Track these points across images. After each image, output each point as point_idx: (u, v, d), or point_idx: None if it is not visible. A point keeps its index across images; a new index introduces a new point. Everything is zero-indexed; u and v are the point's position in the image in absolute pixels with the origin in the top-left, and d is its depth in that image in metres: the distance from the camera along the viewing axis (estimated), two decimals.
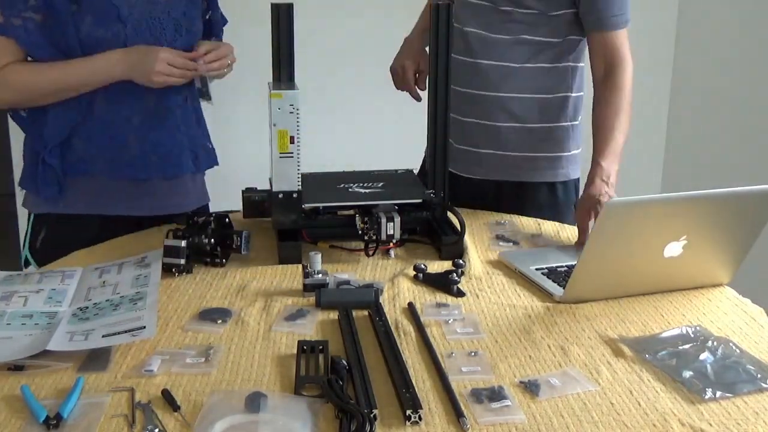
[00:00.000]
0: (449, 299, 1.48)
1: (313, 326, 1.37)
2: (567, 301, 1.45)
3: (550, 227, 1.86)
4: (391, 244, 1.67)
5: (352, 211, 1.68)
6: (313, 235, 1.70)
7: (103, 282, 1.52)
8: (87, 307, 1.41)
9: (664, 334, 1.33)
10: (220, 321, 1.38)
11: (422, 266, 1.58)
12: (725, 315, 1.42)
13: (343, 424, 1.06)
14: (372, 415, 1.07)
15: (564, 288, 1.46)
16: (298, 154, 1.62)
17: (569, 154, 1.99)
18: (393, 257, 1.68)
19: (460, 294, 1.49)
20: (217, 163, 1.99)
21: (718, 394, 1.15)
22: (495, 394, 1.14)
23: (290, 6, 1.79)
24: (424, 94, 1.86)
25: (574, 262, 1.42)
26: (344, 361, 1.20)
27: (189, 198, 1.91)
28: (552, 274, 1.55)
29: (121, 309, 1.38)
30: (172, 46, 1.77)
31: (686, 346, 1.28)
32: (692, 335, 1.32)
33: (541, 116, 1.94)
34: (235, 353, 1.27)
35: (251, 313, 1.41)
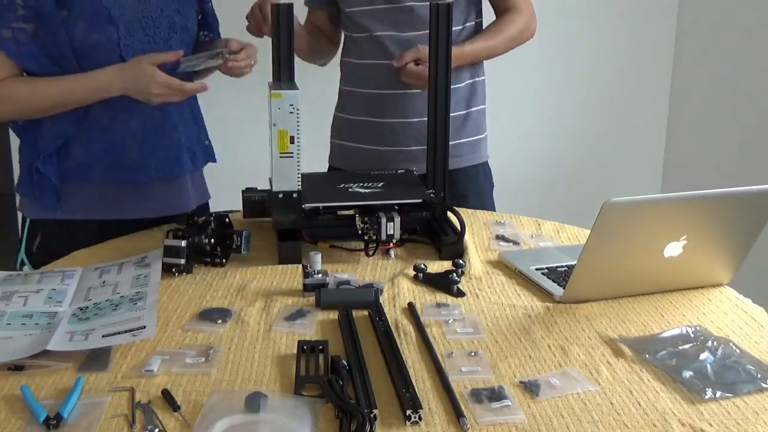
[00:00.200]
0: (449, 299, 1.48)
1: (313, 326, 1.37)
2: (567, 301, 1.45)
3: (550, 227, 1.86)
4: (391, 244, 1.67)
5: (352, 211, 1.68)
6: (313, 235, 1.70)
7: (103, 282, 1.52)
8: (87, 307, 1.41)
9: (664, 334, 1.33)
10: (220, 321, 1.38)
11: (422, 266, 1.58)
12: (725, 315, 1.42)
13: (343, 424, 1.06)
14: (372, 415, 1.07)
15: (564, 288, 1.46)
16: (298, 154, 1.62)
17: (483, 135, 2.16)
18: (393, 257, 1.68)
19: (460, 294, 1.49)
20: (214, 160, 1.99)
21: (718, 394, 1.15)
22: (495, 394, 1.14)
23: (290, 6, 1.79)
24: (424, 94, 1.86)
25: (574, 262, 1.42)
26: (344, 361, 1.20)
27: (189, 197, 1.91)
28: (552, 274, 1.55)
29: (121, 309, 1.38)
30: (167, 44, 1.77)
31: (686, 346, 1.28)
32: (692, 335, 1.32)
33: (458, 104, 2.05)
34: (235, 353, 1.27)
35: (251, 313, 1.41)
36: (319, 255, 1.52)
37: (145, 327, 1.28)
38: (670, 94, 3.35)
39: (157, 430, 1.06)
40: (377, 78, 2.03)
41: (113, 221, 1.81)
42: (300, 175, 1.64)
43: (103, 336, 1.27)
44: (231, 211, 1.71)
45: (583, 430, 1.08)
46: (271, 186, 1.66)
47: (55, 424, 1.06)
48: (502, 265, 1.64)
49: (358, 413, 1.06)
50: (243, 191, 1.77)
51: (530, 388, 1.17)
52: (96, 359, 1.23)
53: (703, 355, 1.25)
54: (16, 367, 1.21)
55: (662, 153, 3.42)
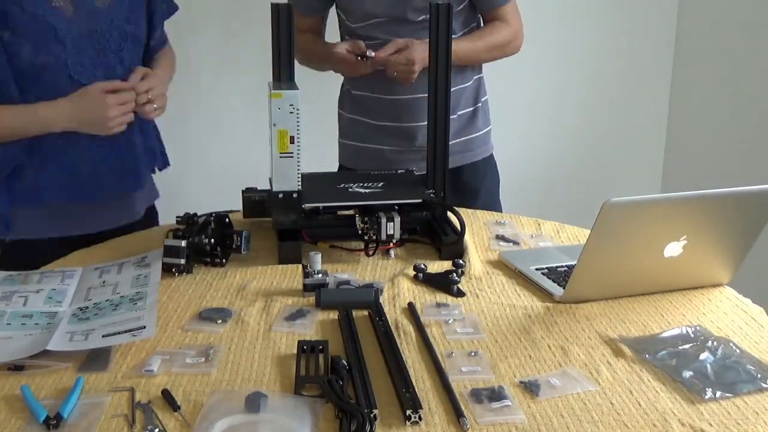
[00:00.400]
0: (449, 299, 1.48)
1: (313, 326, 1.37)
2: (567, 301, 1.45)
3: (550, 227, 1.86)
4: (391, 244, 1.67)
5: (352, 211, 1.68)
6: (313, 235, 1.70)
7: (103, 282, 1.52)
8: (87, 307, 1.41)
9: (664, 334, 1.33)
10: (220, 321, 1.38)
11: (422, 266, 1.58)
12: (725, 315, 1.42)
13: (343, 424, 1.06)
14: (372, 415, 1.07)
15: (564, 288, 1.46)
16: (298, 154, 1.62)
17: (487, 129, 2.22)
18: (393, 257, 1.68)
19: (460, 294, 1.49)
20: (168, 164, 1.95)
21: (718, 394, 1.15)
22: (495, 394, 1.14)
23: (290, 6, 1.79)
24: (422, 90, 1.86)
25: (574, 262, 1.42)
26: (344, 361, 1.20)
27: (140, 202, 1.88)
28: (552, 274, 1.55)
29: (121, 309, 1.38)
30: (118, 57, 1.71)
31: (686, 346, 1.28)
32: (692, 335, 1.32)
33: (467, 101, 2.14)
34: (235, 353, 1.27)
35: (251, 313, 1.41)
36: (319, 255, 1.52)
37: (145, 327, 1.28)
38: (670, 94, 3.35)
39: (157, 430, 1.06)
40: (388, 85, 2.04)
41: (67, 238, 1.74)
42: (300, 175, 1.64)
43: (103, 336, 1.27)
44: (231, 211, 1.71)
45: (583, 430, 1.08)
46: (271, 186, 1.66)
47: (55, 424, 1.06)
48: (502, 265, 1.64)
49: (358, 413, 1.06)
50: (243, 191, 1.77)
51: (530, 388, 1.17)
52: (96, 359, 1.23)
53: (703, 355, 1.25)
54: (16, 367, 1.21)
55: (662, 153, 3.41)
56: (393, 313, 1.42)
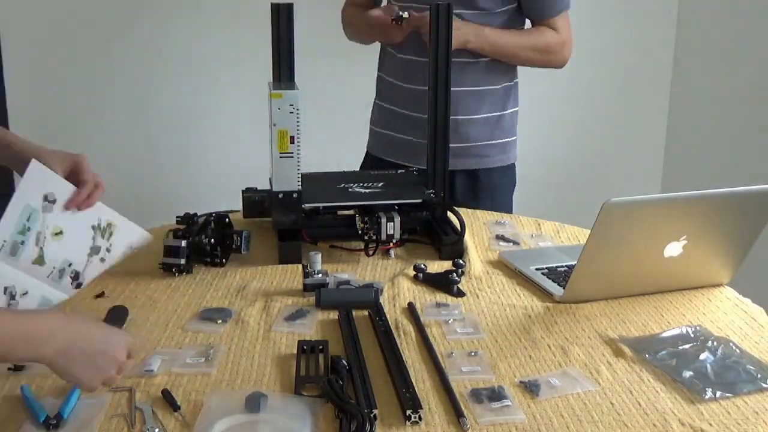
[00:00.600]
0: (449, 299, 1.48)
1: (313, 326, 1.37)
2: (567, 301, 1.45)
3: (550, 227, 1.86)
4: (391, 244, 1.67)
5: (352, 211, 1.68)
6: (313, 235, 1.70)
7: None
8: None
9: (664, 334, 1.33)
10: (220, 321, 1.38)
11: (422, 266, 1.58)
12: (725, 315, 1.42)
13: (343, 424, 1.06)
14: (372, 415, 1.07)
15: (564, 288, 1.46)
16: (298, 154, 1.62)
17: (513, 138, 2.15)
18: (393, 257, 1.68)
19: (460, 294, 1.49)
20: None
21: (718, 394, 1.15)
22: (495, 394, 1.14)
23: (290, 6, 1.79)
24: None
25: (574, 262, 1.42)
26: (344, 361, 1.20)
27: None
28: (552, 274, 1.55)
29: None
30: None
31: (686, 346, 1.28)
32: (692, 335, 1.32)
33: (493, 106, 2.07)
34: (235, 353, 1.27)
35: (251, 313, 1.41)
36: (319, 255, 1.52)
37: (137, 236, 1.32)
38: (670, 94, 3.34)
39: (157, 430, 1.06)
40: (420, 75, 1.97)
41: None
42: (300, 175, 1.64)
43: (101, 260, 1.29)
44: (231, 211, 1.71)
45: (583, 430, 1.08)
46: (271, 186, 1.66)
47: (55, 424, 1.06)
48: (502, 265, 1.64)
49: (358, 413, 1.06)
50: (243, 191, 1.77)
51: (530, 388, 1.17)
52: None
53: (703, 355, 1.25)
54: (16, 367, 1.21)
55: (662, 153, 3.41)
56: (393, 313, 1.42)
